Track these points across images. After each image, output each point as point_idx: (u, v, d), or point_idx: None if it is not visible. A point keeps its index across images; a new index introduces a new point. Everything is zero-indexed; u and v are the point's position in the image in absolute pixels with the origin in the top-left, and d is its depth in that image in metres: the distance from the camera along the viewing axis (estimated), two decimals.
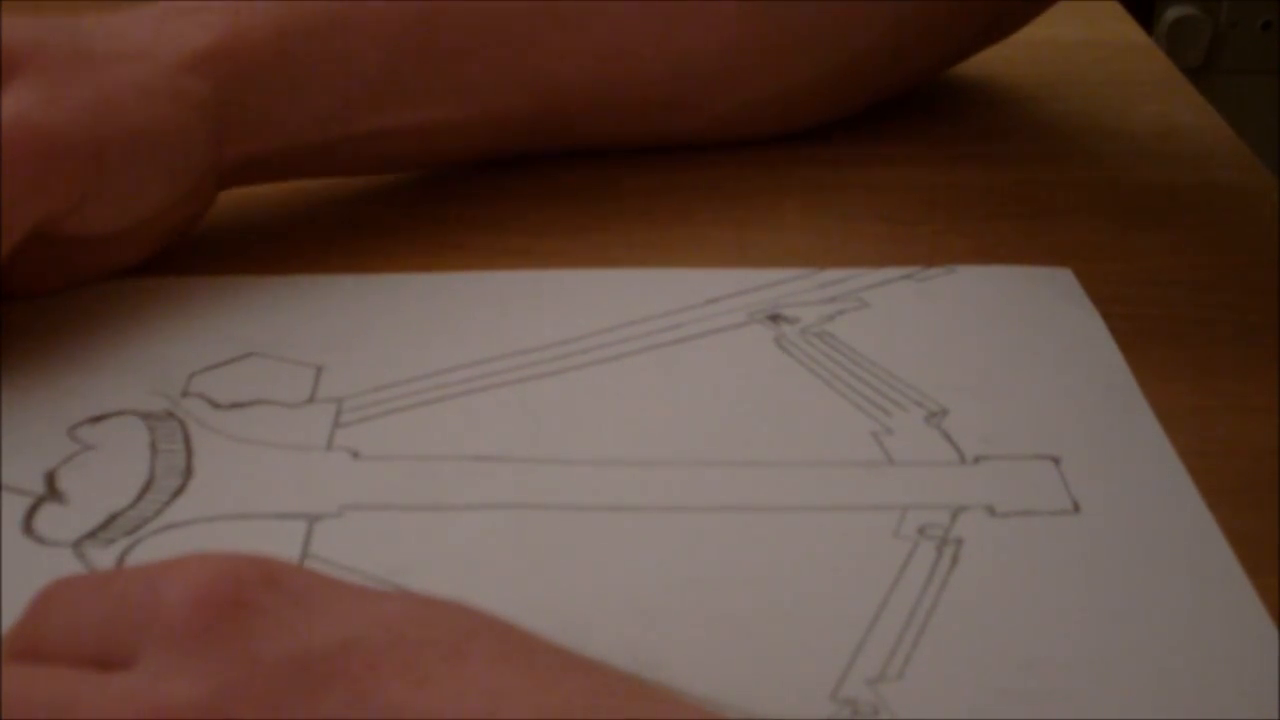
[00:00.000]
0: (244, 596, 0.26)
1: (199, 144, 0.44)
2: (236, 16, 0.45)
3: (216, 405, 0.40)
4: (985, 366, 0.42)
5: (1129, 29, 0.67)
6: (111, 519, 0.36)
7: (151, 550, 0.35)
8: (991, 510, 0.37)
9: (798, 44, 0.52)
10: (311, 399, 0.40)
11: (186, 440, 0.39)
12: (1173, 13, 1.35)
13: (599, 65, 0.50)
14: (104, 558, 0.35)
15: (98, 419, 0.39)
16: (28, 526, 0.35)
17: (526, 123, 0.51)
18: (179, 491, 0.37)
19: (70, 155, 0.40)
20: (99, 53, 0.43)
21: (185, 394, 0.40)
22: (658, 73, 0.51)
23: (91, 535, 0.35)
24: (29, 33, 0.42)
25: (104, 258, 0.45)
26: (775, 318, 0.44)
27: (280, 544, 0.35)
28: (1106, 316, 0.44)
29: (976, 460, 0.38)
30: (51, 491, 0.37)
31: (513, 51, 0.49)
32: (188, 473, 0.37)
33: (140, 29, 0.44)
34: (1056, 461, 0.38)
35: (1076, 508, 0.37)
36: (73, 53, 0.42)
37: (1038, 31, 0.59)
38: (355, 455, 0.38)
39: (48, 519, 0.36)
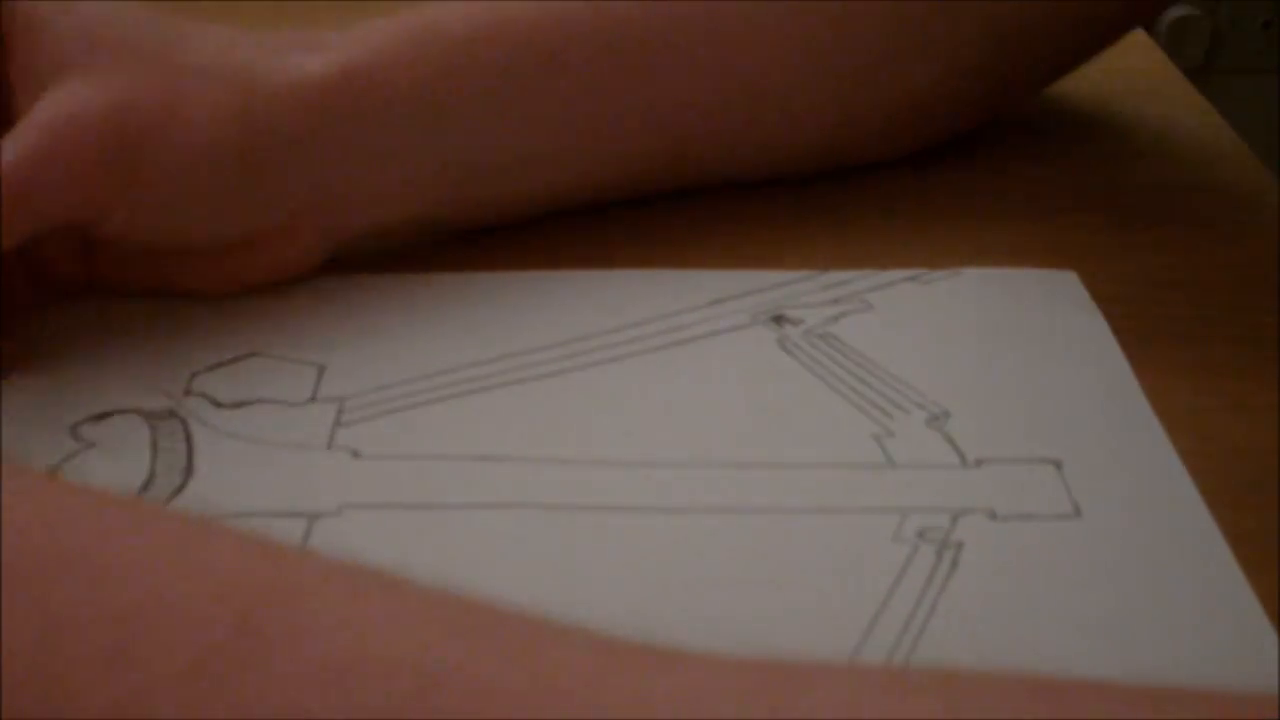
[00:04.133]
0: None
1: (282, 179, 0.42)
2: (349, 53, 0.42)
3: (218, 404, 0.40)
4: (988, 369, 0.42)
5: None
6: None
7: None
8: (992, 514, 0.37)
9: (915, 50, 0.50)
10: (313, 398, 0.40)
11: (188, 439, 0.39)
12: (1173, 13, 1.35)
13: (721, 96, 0.48)
14: None
15: (99, 417, 0.39)
16: None
17: (647, 160, 0.49)
18: (179, 490, 0.37)
19: (102, 160, 0.39)
20: (188, 64, 0.41)
21: (187, 393, 0.40)
22: (776, 102, 0.49)
23: None
24: (118, 24, 0.41)
25: (183, 274, 0.44)
26: (779, 319, 0.44)
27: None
28: (1106, 316, 0.44)
29: (977, 463, 0.38)
30: None
31: (634, 87, 0.47)
32: (188, 471, 0.37)
33: (246, 50, 0.42)
34: (1058, 465, 0.38)
35: (1077, 511, 0.37)
36: (155, 55, 0.40)
37: None
38: (356, 454, 0.38)
39: None
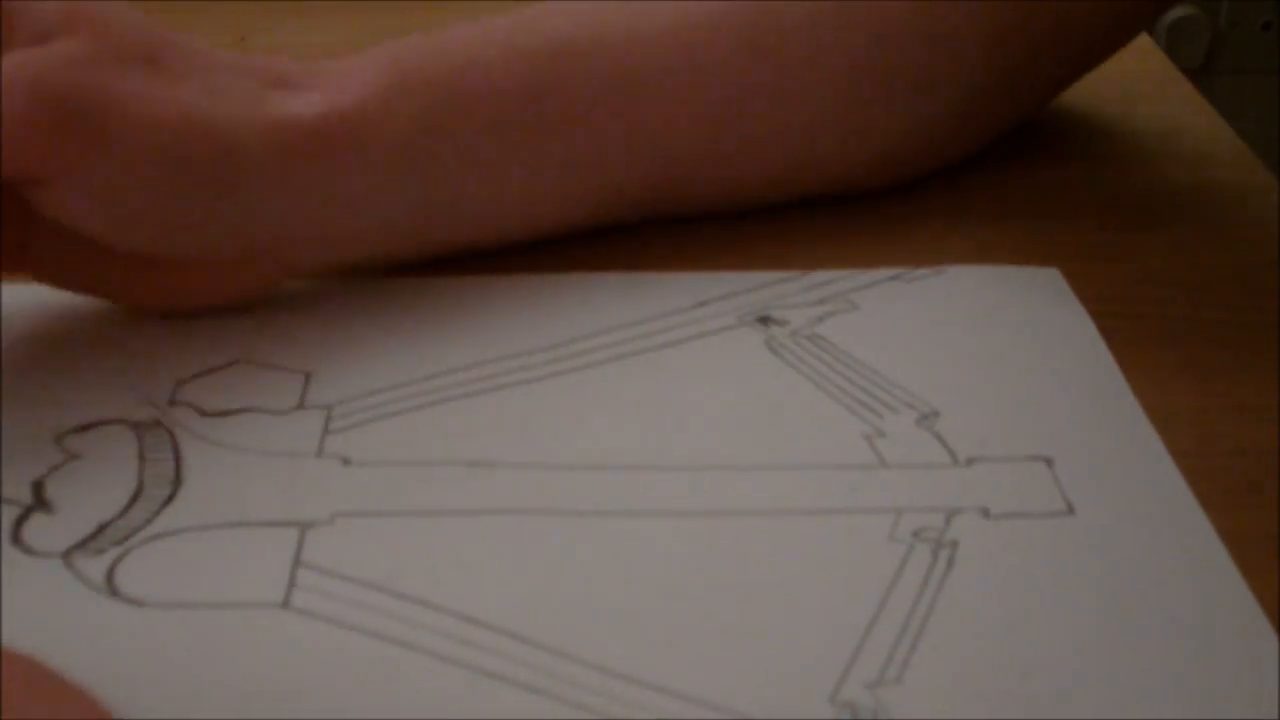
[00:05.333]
0: None
1: (245, 210, 0.41)
2: (332, 97, 0.42)
3: (204, 413, 0.40)
4: (975, 367, 0.42)
5: None
6: (101, 529, 0.36)
7: (141, 560, 0.35)
8: (986, 512, 0.36)
9: (909, 87, 0.49)
10: (300, 405, 0.40)
11: (175, 449, 0.38)
12: (1173, 13, 1.35)
13: (715, 129, 0.47)
14: (94, 568, 0.34)
15: (85, 428, 0.39)
16: (16, 537, 0.35)
17: (638, 193, 0.48)
18: (168, 500, 0.37)
19: (54, 121, 0.37)
20: (171, 66, 0.40)
21: (172, 402, 0.40)
22: (776, 133, 0.48)
23: (80, 545, 0.35)
24: (116, 13, 0.40)
25: (125, 283, 0.43)
26: (765, 320, 0.44)
27: (272, 552, 0.35)
28: (1106, 316, 0.44)
29: (969, 462, 0.38)
30: (39, 501, 0.36)
31: (623, 119, 0.46)
32: (177, 481, 0.37)
33: (233, 74, 0.41)
34: (1049, 463, 0.38)
35: (1070, 509, 0.36)
36: (139, 48, 0.39)
37: None
38: (346, 462, 0.38)
39: (36, 529, 0.36)
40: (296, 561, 0.35)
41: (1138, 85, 0.61)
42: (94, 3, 0.40)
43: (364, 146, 0.42)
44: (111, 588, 0.34)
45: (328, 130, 0.41)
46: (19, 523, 0.36)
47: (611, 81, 0.45)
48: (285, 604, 0.34)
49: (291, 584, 0.34)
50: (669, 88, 0.46)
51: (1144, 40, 0.66)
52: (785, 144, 0.49)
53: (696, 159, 0.48)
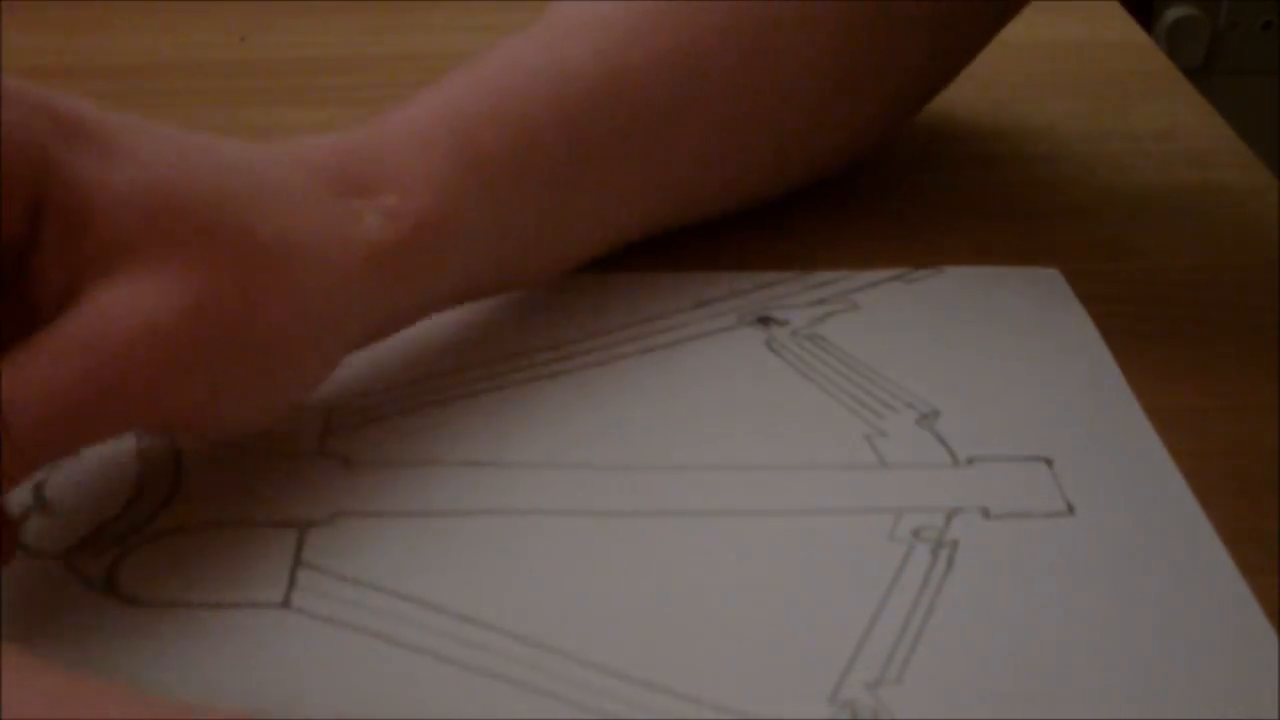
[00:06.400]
0: None
1: (344, 335, 0.38)
2: (415, 204, 0.38)
3: None
4: (975, 368, 0.42)
5: (1129, 29, 0.67)
6: (101, 528, 0.36)
7: (141, 559, 0.35)
8: (986, 512, 0.36)
9: (874, 74, 0.50)
10: (300, 405, 0.40)
11: (175, 449, 0.38)
12: (1173, 13, 1.35)
13: (724, 141, 0.47)
14: (94, 568, 0.34)
15: None
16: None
17: (655, 216, 0.47)
18: (168, 500, 0.37)
19: (176, 373, 0.32)
20: (265, 243, 0.34)
21: None
22: (774, 136, 0.48)
23: (81, 545, 0.35)
24: (189, 191, 0.33)
25: None
26: (765, 320, 0.44)
27: (272, 552, 0.35)
28: (1106, 316, 0.44)
29: (969, 462, 0.38)
30: (40, 502, 0.36)
31: (646, 155, 0.45)
32: (177, 481, 0.37)
33: (317, 209, 0.36)
34: (1049, 463, 0.38)
35: (1070, 509, 0.36)
36: (230, 234, 0.34)
37: (1038, 31, 0.59)
38: (346, 462, 0.38)
39: (37, 530, 0.36)
40: (296, 561, 0.35)
41: (1138, 85, 0.61)
42: (178, 195, 0.33)
43: (449, 245, 0.40)
44: (111, 588, 0.34)
45: (414, 242, 0.38)
46: (19, 523, 0.36)
47: (634, 123, 0.45)
48: (285, 604, 0.34)
49: (291, 584, 0.34)
50: (683, 113, 0.46)
51: (1144, 40, 0.66)
52: (780, 144, 0.49)
53: (705, 175, 0.48)
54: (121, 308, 0.31)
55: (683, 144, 0.46)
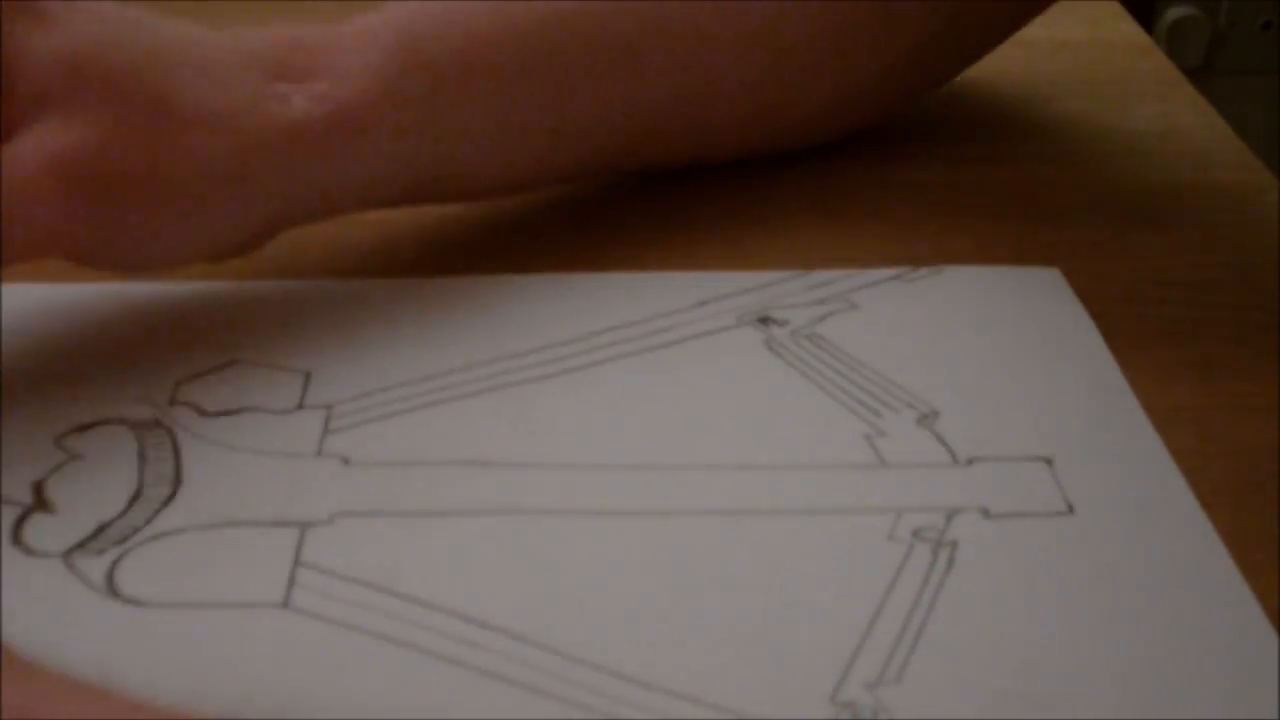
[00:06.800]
0: None
1: (260, 210, 0.41)
2: (338, 92, 0.42)
3: (204, 413, 0.40)
4: (975, 367, 0.42)
5: (1129, 29, 0.67)
6: (101, 529, 0.36)
7: (141, 560, 0.35)
8: (986, 512, 0.36)
9: (872, 30, 0.51)
10: (300, 405, 0.40)
11: (175, 448, 0.38)
12: (1173, 13, 1.35)
13: (689, 82, 0.49)
14: (94, 568, 0.34)
15: (85, 428, 0.39)
16: (16, 537, 0.35)
17: (617, 148, 0.49)
18: (168, 500, 0.37)
19: (73, 206, 0.37)
20: (176, 107, 0.39)
21: (172, 402, 0.40)
22: (744, 81, 0.50)
23: (81, 545, 0.35)
24: (107, 52, 0.39)
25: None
26: (764, 320, 0.44)
27: (272, 552, 0.35)
28: (1106, 316, 0.44)
29: (969, 462, 0.38)
30: (40, 502, 0.36)
31: (606, 84, 0.47)
32: (177, 481, 0.37)
33: (236, 83, 0.41)
34: (1049, 462, 0.38)
35: (1071, 509, 0.36)
36: (142, 94, 0.39)
37: (1038, 31, 0.59)
38: (346, 461, 0.38)
39: (36, 530, 0.36)
40: (296, 561, 0.35)
41: (1138, 85, 0.61)
42: (97, 54, 0.39)
43: (369, 134, 0.42)
44: (111, 588, 0.34)
45: (337, 125, 0.42)
46: (19, 523, 0.36)
47: (596, 50, 0.47)
48: (285, 604, 0.34)
49: (291, 584, 0.34)
50: (647, 47, 0.48)
51: (1144, 40, 0.66)
52: (751, 92, 0.50)
53: (669, 112, 0.49)
54: (30, 148, 0.37)
55: (646, 78, 0.48)
